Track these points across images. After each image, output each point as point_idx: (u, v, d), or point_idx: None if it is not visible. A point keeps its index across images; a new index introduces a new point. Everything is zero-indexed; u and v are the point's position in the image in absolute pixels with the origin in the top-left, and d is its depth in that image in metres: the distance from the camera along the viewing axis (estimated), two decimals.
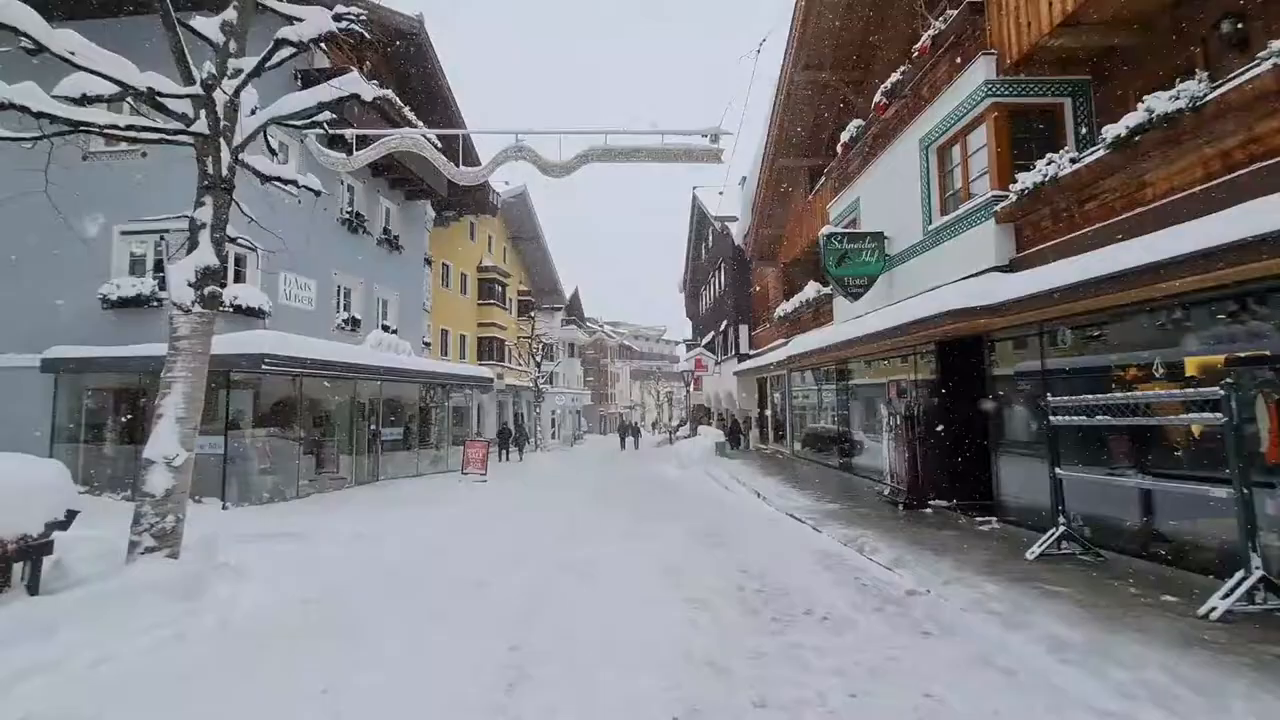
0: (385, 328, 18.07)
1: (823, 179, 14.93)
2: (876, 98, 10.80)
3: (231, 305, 12.12)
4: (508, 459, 25.54)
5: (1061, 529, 6.20)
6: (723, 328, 27.99)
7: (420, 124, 15.34)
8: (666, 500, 12.23)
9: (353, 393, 15.22)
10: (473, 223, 30.00)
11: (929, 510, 9.32)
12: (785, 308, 17.38)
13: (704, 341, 31.66)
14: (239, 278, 13.00)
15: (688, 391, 32.08)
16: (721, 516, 10.01)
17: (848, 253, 10.95)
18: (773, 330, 20.51)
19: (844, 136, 12.55)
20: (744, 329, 24.61)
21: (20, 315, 11.82)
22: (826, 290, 14.54)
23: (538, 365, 30.09)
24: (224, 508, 10.72)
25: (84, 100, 4.97)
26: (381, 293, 18.31)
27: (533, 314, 32.95)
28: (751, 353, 23.67)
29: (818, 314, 15.55)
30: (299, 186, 6.22)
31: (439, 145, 12.05)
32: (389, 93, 16.02)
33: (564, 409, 43.52)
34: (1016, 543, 7.03)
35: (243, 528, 8.93)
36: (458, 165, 11.81)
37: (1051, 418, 6.29)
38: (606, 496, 13.04)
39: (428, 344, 21.92)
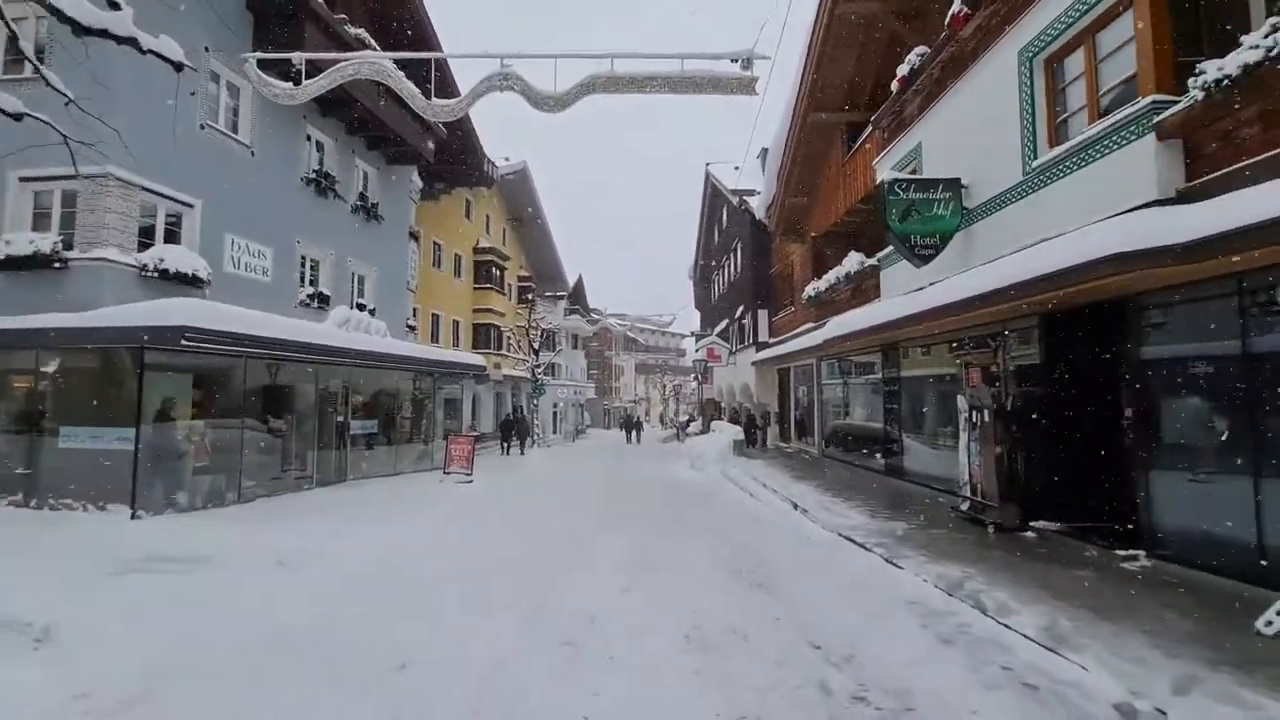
0: (360, 306, 15.94)
1: (868, 129, 12.65)
2: (954, 7, 8.53)
3: (155, 269, 9.98)
4: (508, 452, 23.70)
5: None
6: (738, 314, 25.73)
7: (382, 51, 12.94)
8: (684, 511, 10.05)
9: (315, 379, 13.09)
10: (469, 200, 27.86)
11: (1031, 534, 7.10)
12: (817, 286, 15.12)
13: (716, 330, 29.41)
14: (171, 237, 10.85)
15: (698, 384, 29.85)
16: (756, 537, 7.82)
17: (915, 204, 8.69)
18: (798, 314, 18.26)
19: (901, 70, 10.27)
20: (763, 315, 22.35)
21: None
22: (871, 262, 12.30)
23: (536, 354, 27.94)
24: (134, 517, 8.61)
25: None
26: (356, 267, 16.14)
27: (530, 297, 30.79)
28: (771, 341, 21.42)
29: (858, 291, 13.31)
30: (143, 51, 4.02)
31: (415, 81, 9.83)
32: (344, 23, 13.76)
33: (566, 402, 41.53)
34: (1202, 593, 4.83)
35: (137, 548, 6.84)
36: (430, 99, 9.59)
37: None
38: (610, 504, 10.87)
39: (413, 327, 19.77)
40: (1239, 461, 5.02)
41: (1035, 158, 7.32)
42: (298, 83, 9.64)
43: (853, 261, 12.99)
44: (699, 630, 4.35)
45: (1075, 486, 6.95)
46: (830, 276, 14.18)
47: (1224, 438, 5.18)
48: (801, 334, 16.79)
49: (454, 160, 21.26)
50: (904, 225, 8.69)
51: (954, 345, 9.54)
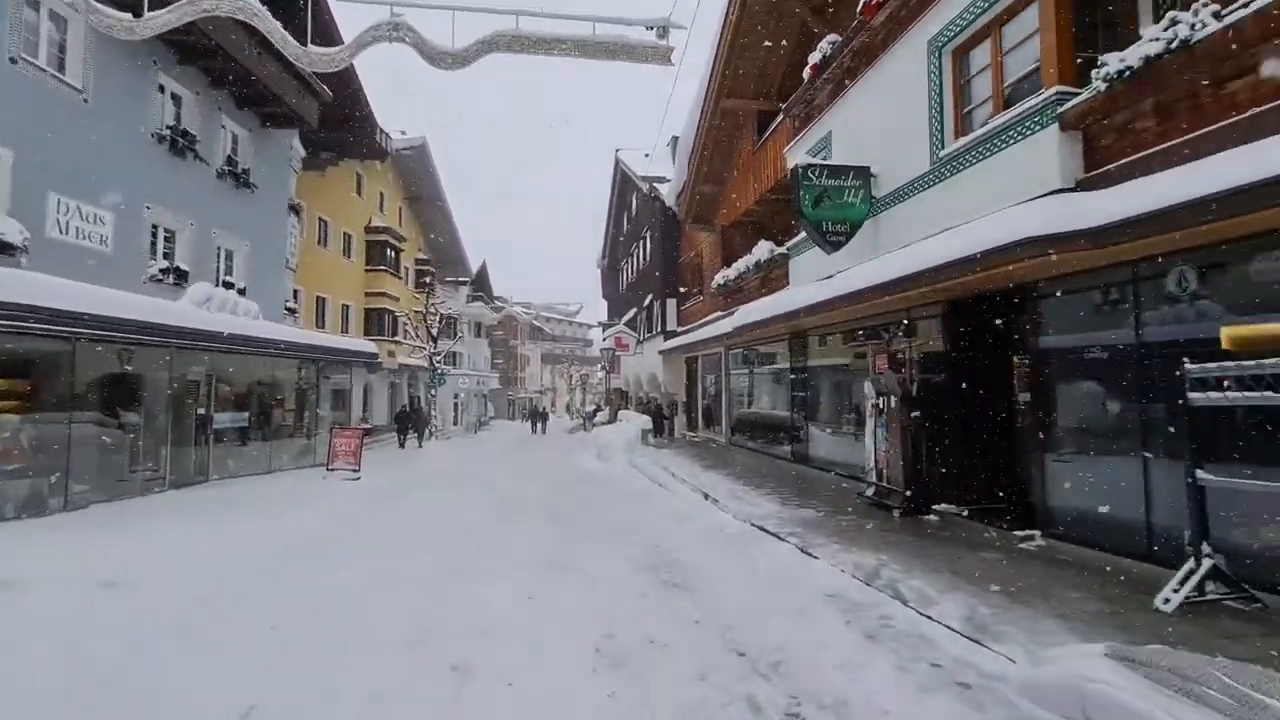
0: (228, 285, 14.15)
1: (779, 118, 12.64)
2: None
3: None
4: (405, 446, 22.37)
5: (1208, 564, 4.12)
6: (646, 303, 25.53)
7: None
8: (591, 504, 9.57)
9: (170, 366, 11.39)
10: (360, 174, 25.76)
11: (934, 517, 7.23)
12: (726, 274, 15.08)
13: (624, 319, 29.10)
14: None
15: (606, 374, 29.48)
16: (667, 530, 7.49)
17: (827, 191, 8.65)
18: (707, 303, 18.24)
19: (813, 58, 10.24)
20: (671, 303, 22.24)
21: None
22: (781, 250, 12.33)
23: (434, 341, 26.38)
24: None
25: None
26: (223, 240, 14.30)
27: (429, 280, 29.07)
28: (679, 330, 21.37)
29: (767, 280, 13.34)
30: None
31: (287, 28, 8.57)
32: None
33: (468, 392, 39.82)
34: (1098, 571, 4.97)
35: None
36: (306, 44, 8.42)
37: (1191, 395, 4.19)
38: (513, 500, 10.19)
39: (293, 310, 17.94)
40: (1129, 446, 5.21)
41: (943, 147, 7.41)
42: (139, 14, 8.15)
43: (762, 250, 13.00)
44: (612, 641, 3.89)
45: (974, 470, 7.14)
46: (740, 265, 14.16)
47: (1115, 423, 5.38)
48: (710, 323, 16.76)
49: (342, 128, 19.45)
50: (816, 211, 8.62)
51: (859, 333, 9.67)
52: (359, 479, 12.47)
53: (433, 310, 26.50)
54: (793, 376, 12.20)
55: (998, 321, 6.85)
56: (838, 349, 10.69)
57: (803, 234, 11.22)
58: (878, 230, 8.73)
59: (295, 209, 18.49)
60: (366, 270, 26.61)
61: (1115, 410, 5.39)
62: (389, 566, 5.79)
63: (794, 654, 3.64)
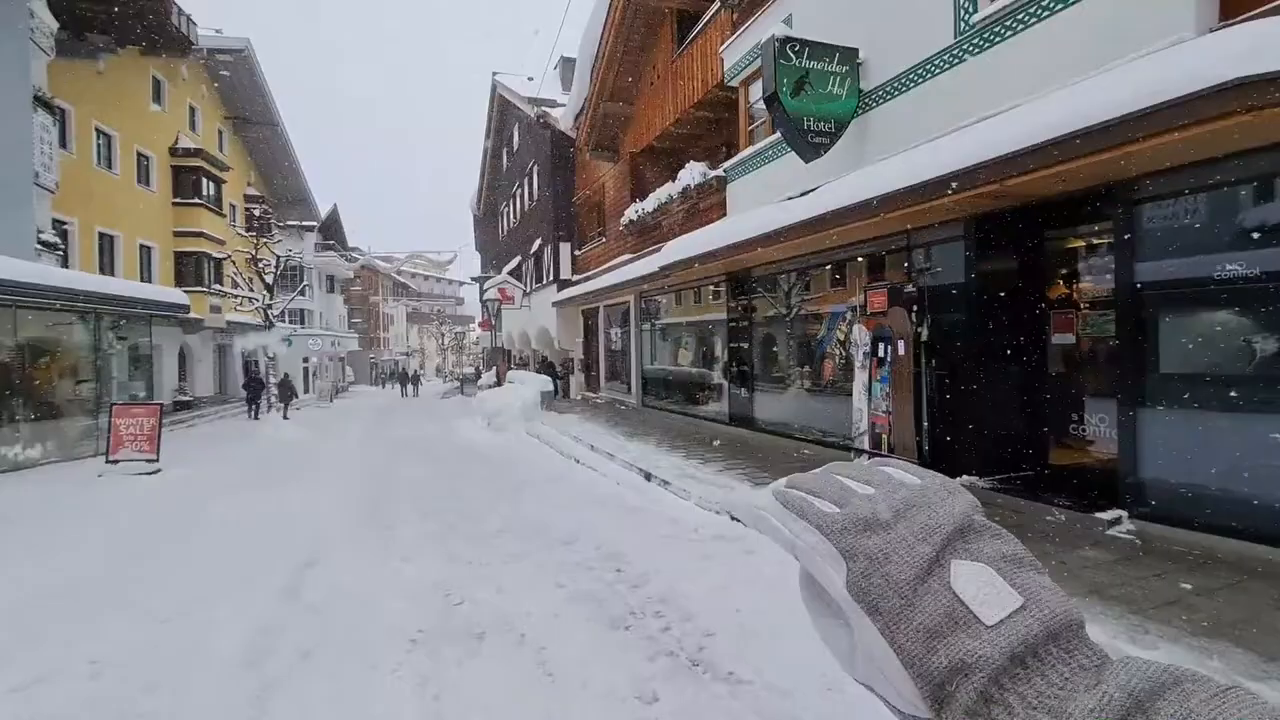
0: None
1: (711, 10, 10.36)
2: None
3: None
4: (257, 417, 18.63)
5: None
6: (534, 249, 22.62)
7: None
8: (497, 498, 7.13)
9: None
10: (158, 77, 20.12)
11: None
12: (641, 208, 12.80)
13: (506, 269, 25.89)
14: None
15: (491, 331, 26.22)
16: (618, 533, 5.31)
17: (809, 75, 6.60)
18: (612, 245, 15.90)
19: None
20: (565, 248, 19.61)
21: None
22: (716, 173, 10.27)
23: (270, 290, 21.75)
24: None
25: None
26: None
27: (261, 213, 24.04)
28: (576, 279, 18.88)
29: (695, 211, 11.26)
30: None
31: None
32: None
33: (322, 354, 34.64)
34: (1270, 573, 3.53)
35: None
36: None
37: None
38: (384, 497, 7.46)
39: (53, 245, 13.18)
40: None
41: (975, 10, 5.60)
42: None
43: (693, 173, 10.84)
44: None
45: (1009, 431, 5.63)
46: (660, 194, 11.94)
47: (1267, 367, 3.93)
48: (617, 267, 14.50)
49: (120, 1, 14.40)
50: (796, 102, 6.57)
51: (830, 267, 7.92)
52: (158, 472, 9.05)
53: (264, 247, 21.75)
54: (731, 324, 10.33)
55: (1051, 240, 5.28)
56: (796, 289, 8.91)
57: (746, 152, 9.26)
58: (865, 132, 6.90)
59: (49, 106, 13.47)
60: (175, 204, 21.21)
61: (1271, 350, 3.93)
62: (162, 657, 3.09)
63: None
